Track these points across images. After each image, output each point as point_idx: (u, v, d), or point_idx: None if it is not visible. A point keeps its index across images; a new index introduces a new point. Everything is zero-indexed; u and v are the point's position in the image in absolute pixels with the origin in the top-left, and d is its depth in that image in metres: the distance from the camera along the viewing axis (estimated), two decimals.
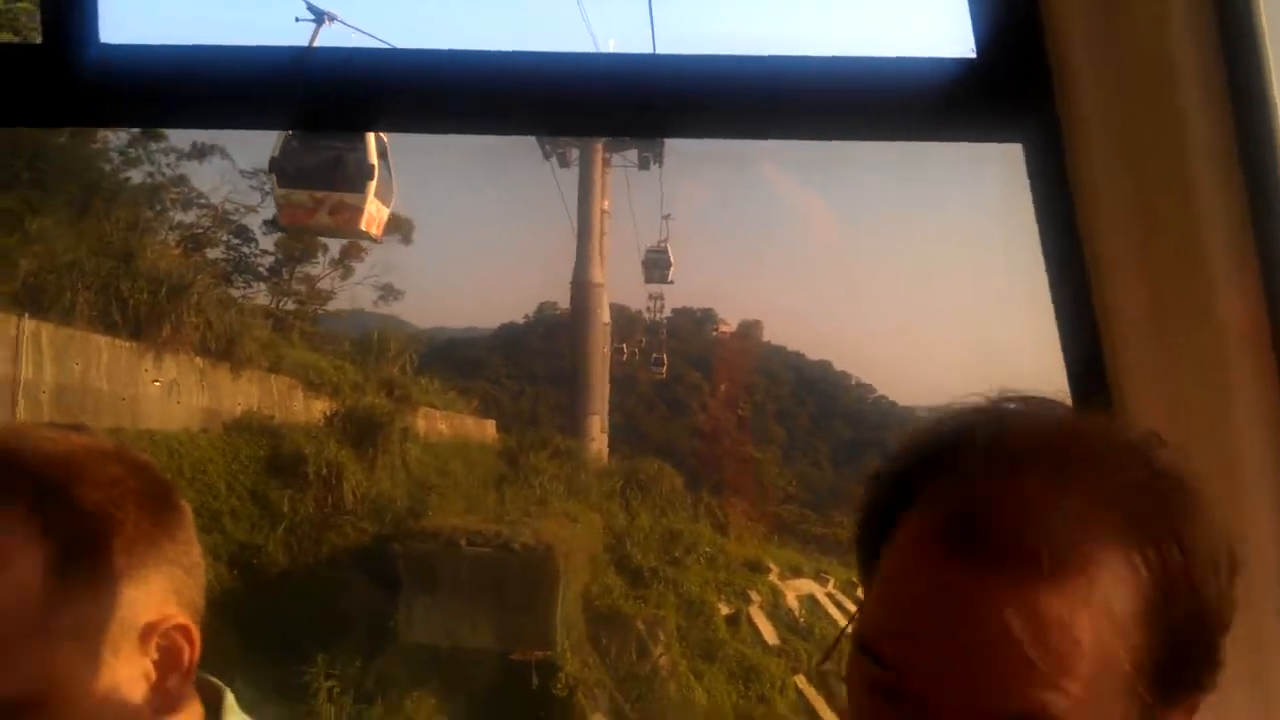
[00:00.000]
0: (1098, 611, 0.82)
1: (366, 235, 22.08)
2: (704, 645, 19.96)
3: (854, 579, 30.14)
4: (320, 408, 21.22)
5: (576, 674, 15.13)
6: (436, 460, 21.52)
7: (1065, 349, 1.56)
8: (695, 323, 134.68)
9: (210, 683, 1.42)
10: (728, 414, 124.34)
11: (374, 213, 21.80)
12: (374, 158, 19.05)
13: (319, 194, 19.51)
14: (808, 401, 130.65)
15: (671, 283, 75.07)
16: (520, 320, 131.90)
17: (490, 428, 26.75)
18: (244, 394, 20.26)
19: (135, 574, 1.23)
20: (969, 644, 0.85)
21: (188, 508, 1.39)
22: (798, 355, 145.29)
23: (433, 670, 14.71)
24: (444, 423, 24.59)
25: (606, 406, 40.74)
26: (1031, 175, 1.53)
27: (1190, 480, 0.89)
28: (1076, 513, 0.84)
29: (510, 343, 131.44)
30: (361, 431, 20.18)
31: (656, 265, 73.65)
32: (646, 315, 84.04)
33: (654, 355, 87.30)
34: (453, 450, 22.62)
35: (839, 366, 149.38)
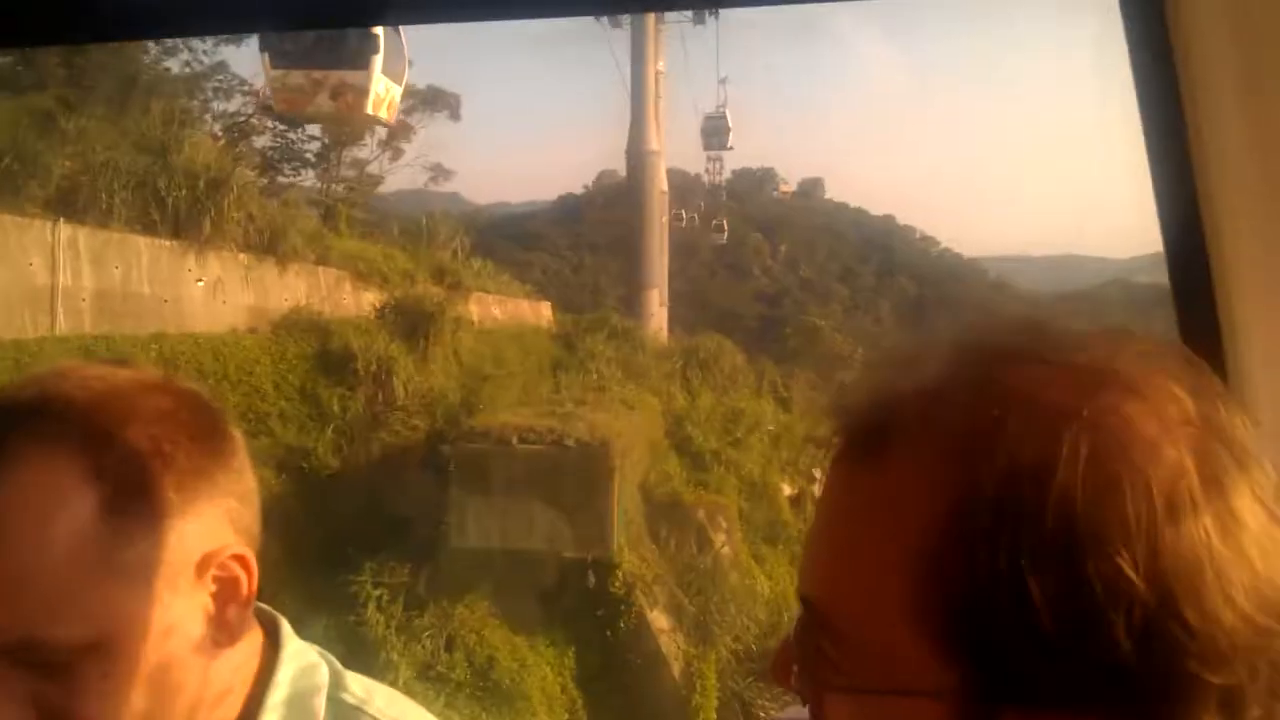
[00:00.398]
0: (884, 505, 0.70)
1: (376, 120, 20.72)
2: (767, 528, 19.47)
3: None
4: (370, 299, 20.61)
5: (634, 570, 14.66)
6: (491, 348, 20.91)
7: (1164, 229, 1.43)
8: (755, 183, 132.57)
9: (266, 611, 1.40)
10: (790, 276, 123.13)
11: (381, 93, 20.35)
12: (379, 27, 17.43)
13: (317, 74, 18.12)
14: (871, 258, 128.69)
15: (731, 149, 73.38)
16: (579, 190, 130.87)
17: (546, 310, 25.97)
18: (291, 289, 19.68)
19: (189, 508, 1.20)
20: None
21: (238, 435, 1.32)
22: (860, 211, 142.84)
23: (486, 574, 14.29)
24: (498, 308, 23.92)
25: (665, 278, 39.78)
26: (1128, 28, 1.38)
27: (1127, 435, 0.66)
28: (909, 405, 0.72)
29: (570, 214, 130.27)
30: (412, 323, 19.54)
31: (715, 132, 72.13)
32: (706, 178, 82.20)
33: (714, 221, 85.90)
34: (508, 337, 21.98)
35: (902, 220, 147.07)
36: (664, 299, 39.24)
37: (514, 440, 14.44)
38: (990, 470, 0.66)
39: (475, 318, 22.98)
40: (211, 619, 1.24)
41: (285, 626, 1.40)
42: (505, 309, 24.07)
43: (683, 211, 79.82)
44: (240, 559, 1.26)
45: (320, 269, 20.45)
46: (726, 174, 75.86)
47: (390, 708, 1.36)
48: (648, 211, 37.63)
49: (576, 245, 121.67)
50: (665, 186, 39.52)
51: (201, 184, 18.45)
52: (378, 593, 14.27)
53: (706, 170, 78.32)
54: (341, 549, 14.57)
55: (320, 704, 1.32)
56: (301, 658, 1.37)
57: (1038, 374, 0.72)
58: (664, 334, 33.78)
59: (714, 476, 19.41)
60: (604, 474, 14.23)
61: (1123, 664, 0.62)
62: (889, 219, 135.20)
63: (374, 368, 18.18)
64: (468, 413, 17.70)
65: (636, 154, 38.36)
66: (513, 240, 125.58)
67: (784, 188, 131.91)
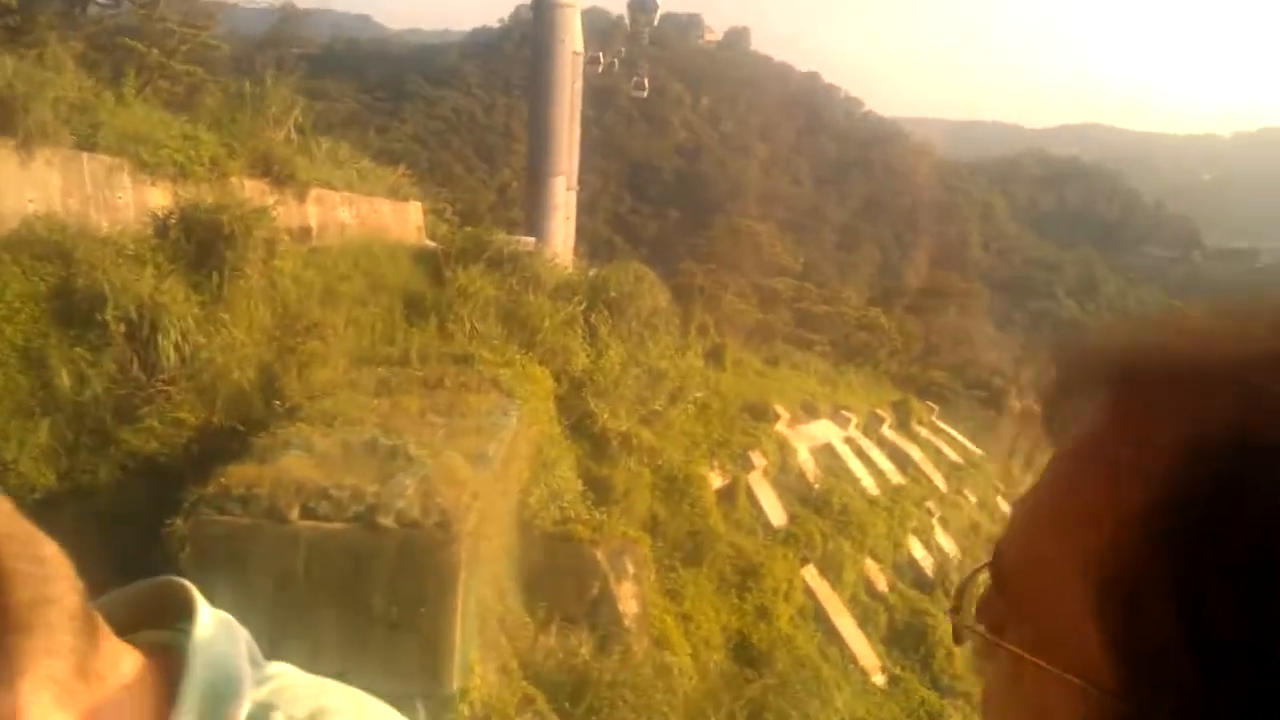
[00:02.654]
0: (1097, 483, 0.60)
1: None
2: (688, 542, 14.15)
3: (880, 409, 24.59)
4: (159, 203, 14.28)
5: (491, 698, 9.20)
6: (324, 279, 14.76)
7: None
8: (679, 29, 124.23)
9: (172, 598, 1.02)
10: (710, 130, 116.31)
11: None
12: None
13: None
14: (794, 116, 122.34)
15: (654, 17, 66.69)
16: (495, 24, 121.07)
17: (415, 213, 19.28)
18: (39, 188, 13.30)
19: None
20: None
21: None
22: (785, 67, 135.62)
23: None
24: (349, 209, 17.53)
25: (575, 160, 32.98)
26: None
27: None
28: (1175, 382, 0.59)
29: (485, 48, 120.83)
30: (204, 245, 13.36)
31: (643, 7, 65.88)
32: (628, 24, 74.36)
33: (635, 77, 78.50)
34: (351, 260, 15.75)
35: (828, 78, 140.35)
36: (572, 183, 32.60)
37: (294, 512, 8.61)
38: (1203, 476, 0.55)
39: (314, 226, 16.71)
40: None
41: (192, 645, 0.97)
42: (359, 212, 17.61)
43: (600, 55, 72.33)
44: None
45: (86, 156, 13.98)
46: (655, 22, 67.85)
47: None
48: (555, 79, 30.56)
49: (489, 84, 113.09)
50: (579, 45, 32.35)
51: None
52: None
53: (630, 2, 70.86)
54: None
55: None
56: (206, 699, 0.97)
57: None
58: (568, 253, 27.59)
59: (621, 474, 13.90)
60: (443, 573, 8.61)
61: None
62: (814, 76, 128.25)
63: (132, 317, 12.08)
64: (267, 398, 11.73)
65: (542, 5, 31.24)
66: (423, 75, 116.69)
67: (709, 35, 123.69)
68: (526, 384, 12.69)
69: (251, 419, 11.51)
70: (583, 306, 15.63)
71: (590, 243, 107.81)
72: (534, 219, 30.56)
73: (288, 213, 16.54)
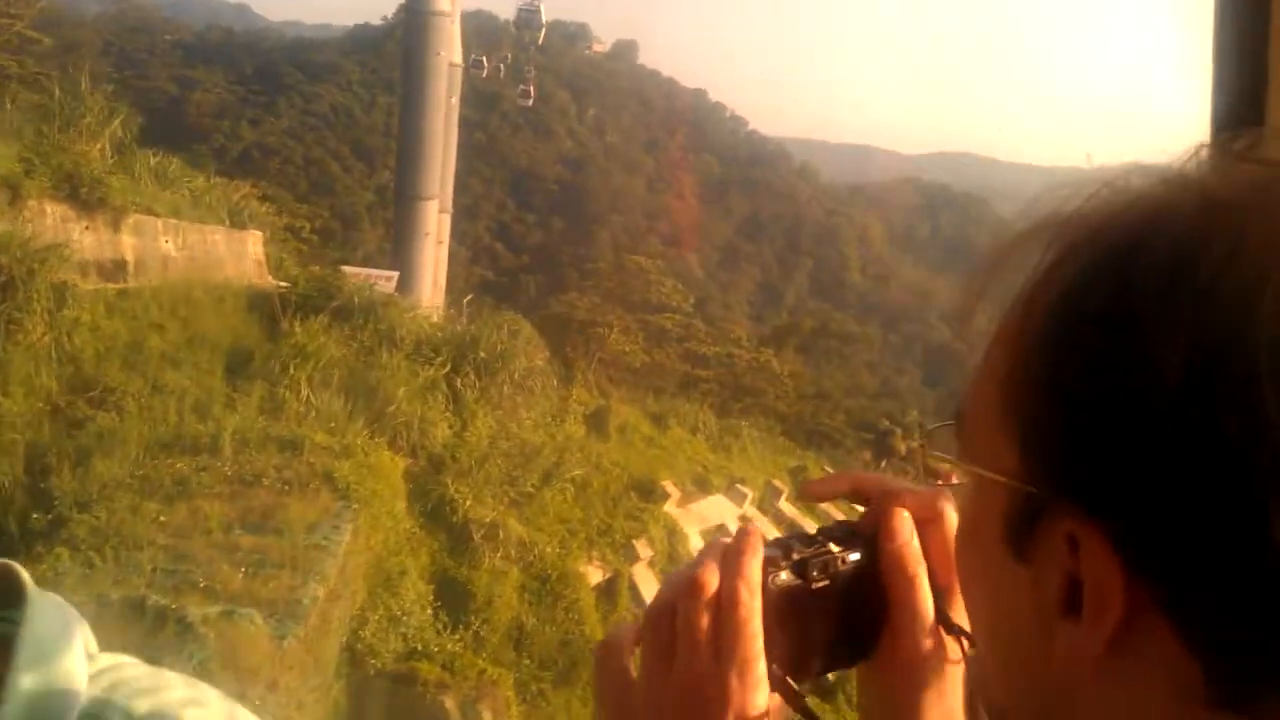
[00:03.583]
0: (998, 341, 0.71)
1: None
2: (561, 656, 11.92)
3: (777, 479, 22.33)
4: None
5: None
6: (132, 328, 12.06)
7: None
8: (566, 39, 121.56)
9: None
10: (595, 141, 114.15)
11: None
12: None
13: None
14: (678, 132, 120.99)
15: (543, 27, 64.34)
16: (378, 22, 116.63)
17: (254, 244, 16.37)
18: None
19: None
20: None
21: None
22: (672, 82, 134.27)
23: None
24: (175, 239, 14.79)
25: (450, 182, 30.27)
26: None
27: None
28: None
29: (365, 45, 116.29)
30: None
31: (528, 25, 63.45)
32: (514, 30, 71.56)
33: (521, 86, 75.69)
34: (174, 301, 13.04)
35: (714, 97, 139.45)
36: (446, 205, 29.88)
37: None
38: (1048, 298, 0.66)
39: (130, 261, 14.05)
40: None
41: (20, 638, 0.86)
42: (187, 243, 14.86)
43: (484, 59, 69.48)
44: None
45: None
46: (540, 31, 65.36)
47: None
48: (427, 94, 27.70)
49: (369, 82, 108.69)
50: (458, 55, 29.68)
51: None
52: None
53: (515, 20, 68.25)
54: None
55: None
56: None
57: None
58: (437, 289, 24.97)
59: (484, 576, 11.60)
60: None
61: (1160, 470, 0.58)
62: (700, 93, 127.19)
63: None
64: (32, 498, 9.10)
65: (416, 12, 28.44)
66: (300, 69, 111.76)
67: (597, 46, 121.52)
68: (369, 479, 10.27)
69: (4, 534, 8.86)
70: (446, 369, 13.23)
71: (471, 249, 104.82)
72: (401, 246, 27.78)
73: (98, 243, 13.84)
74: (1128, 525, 0.58)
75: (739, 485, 17.81)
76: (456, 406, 13.34)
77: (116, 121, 14.77)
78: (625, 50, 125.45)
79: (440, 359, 13.39)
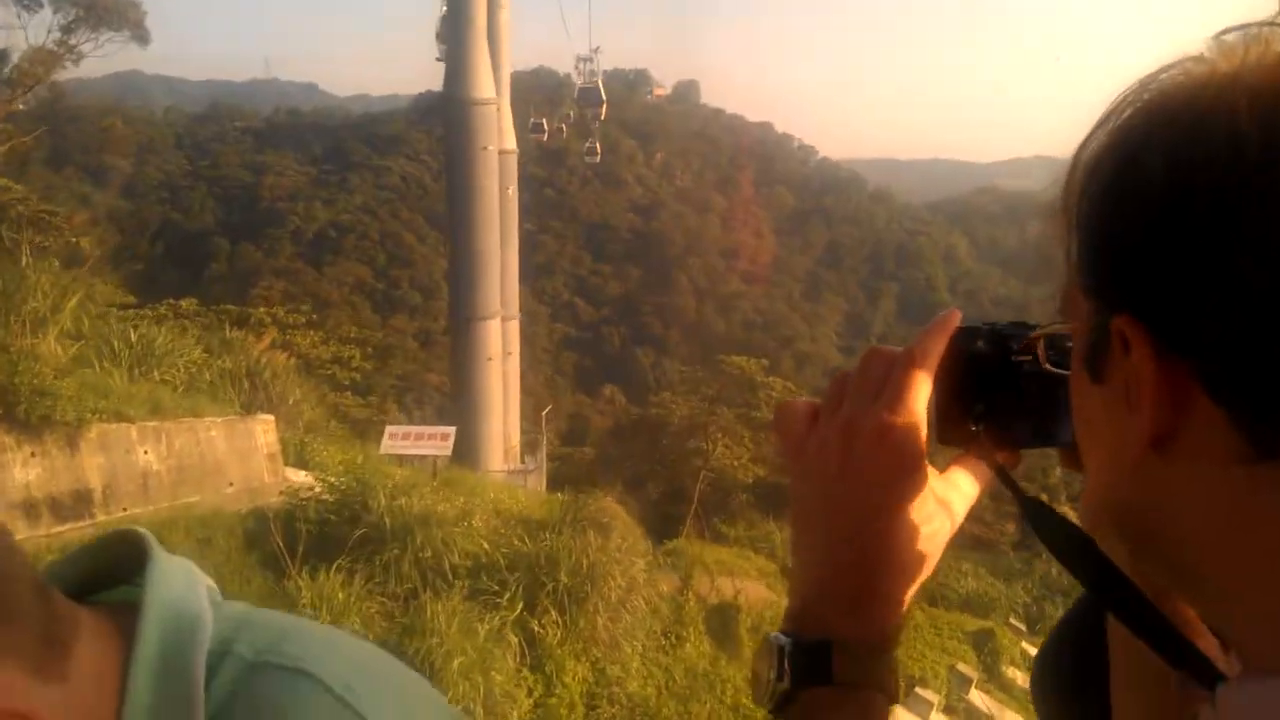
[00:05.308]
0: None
1: None
2: None
3: (962, 664, 16.82)
4: None
5: None
6: None
7: None
8: (627, 86, 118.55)
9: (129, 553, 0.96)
10: (665, 185, 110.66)
11: None
12: None
13: None
14: (747, 167, 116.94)
15: (601, 111, 61.30)
16: (440, 88, 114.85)
17: (267, 432, 12.37)
18: None
19: None
20: None
21: None
22: (737, 118, 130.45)
23: None
24: (157, 446, 11.05)
25: (515, 288, 26.40)
26: None
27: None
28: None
29: (431, 113, 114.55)
30: None
31: (589, 101, 60.69)
32: (577, 79, 68.20)
33: (587, 144, 72.25)
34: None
35: (780, 128, 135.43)
36: (512, 310, 25.92)
37: None
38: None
39: (97, 488, 10.49)
40: None
41: (147, 595, 0.91)
42: (174, 449, 11.12)
43: (543, 121, 66.30)
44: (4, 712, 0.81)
45: None
46: (599, 74, 62.03)
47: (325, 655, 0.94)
48: (476, 199, 23.57)
49: (437, 149, 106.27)
50: (512, 143, 25.87)
51: None
52: None
53: (577, 70, 65.11)
54: None
55: (198, 672, 0.90)
56: (163, 651, 0.91)
57: None
58: (511, 427, 20.92)
59: None
60: None
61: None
62: (766, 126, 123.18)
63: None
64: None
65: (456, 103, 24.52)
66: (369, 144, 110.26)
67: (658, 90, 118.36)
68: None
69: None
70: (518, 608, 9.35)
71: (551, 306, 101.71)
72: (459, 375, 23.80)
73: (49, 473, 10.20)
74: (1162, 315, 0.65)
75: (918, 690, 13.36)
76: (535, 658, 9.34)
77: (72, 301, 11.10)
78: (687, 91, 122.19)
79: (509, 595, 9.42)
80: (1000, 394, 0.90)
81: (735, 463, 26.11)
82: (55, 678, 0.83)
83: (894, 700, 0.86)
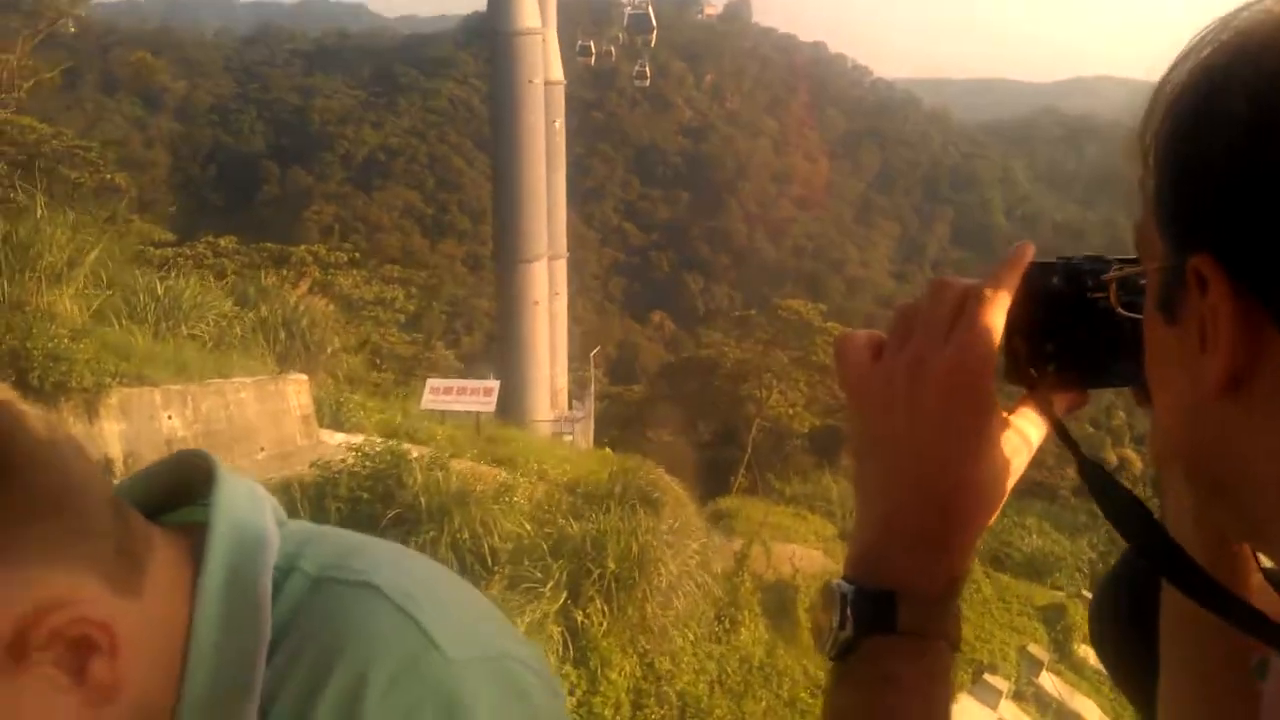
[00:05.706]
0: None
1: None
2: None
3: (1034, 644, 15.44)
4: None
5: None
6: None
7: None
8: (677, 6, 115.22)
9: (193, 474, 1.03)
10: (715, 107, 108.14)
11: None
12: None
13: None
14: (800, 89, 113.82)
15: (651, 38, 59.38)
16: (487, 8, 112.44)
17: (301, 392, 11.56)
18: None
19: None
20: None
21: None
22: (788, 38, 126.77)
23: None
24: (183, 410, 10.39)
25: (562, 226, 25.19)
26: None
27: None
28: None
29: (479, 34, 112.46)
30: None
31: (640, 29, 58.89)
32: (626, 4, 66.18)
33: (637, 66, 70.28)
34: None
35: (834, 48, 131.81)
36: (560, 249, 24.66)
37: None
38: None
39: (119, 455, 9.91)
40: (68, 692, 0.84)
41: (215, 513, 0.96)
42: (201, 414, 10.47)
43: (590, 44, 64.61)
44: (83, 620, 0.84)
45: None
46: (649, 3, 60.07)
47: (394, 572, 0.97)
48: (522, 133, 22.46)
49: (485, 72, 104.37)
50: (558, 73, 24.57)
51: None
52: None
53: (626, 26, 63.53)
54: None
55: (265, 588, 0.94)
56: (231, 567, 0.95)
57: None
58: (559, 369, 19.96)
59: None
60: None
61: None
62: (819, 46, 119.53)
63: None
64: None
65: (501, 34, 23.15)
66: (417, 67, 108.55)
67: (709, 9, 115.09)
68: None
69: None
70: (563, 598, 8.65)
71: (600, 231, 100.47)
72: (506, 322, 22.81)
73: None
74: (1242, 256, 0.63)
75: (987, 676, 12.42)
76: (579, 652, 8.65)
77: (92, 254, 10.38)
78: (738, 10, 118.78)
79: (551, 584, 8.68)
80: (1074, 332, 0.85)
81: (790, 410, 25.14)
82: (131, 592, 0.87)
83: (956, 648, 0.84)
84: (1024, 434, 0.87)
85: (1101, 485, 0.77)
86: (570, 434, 22.11)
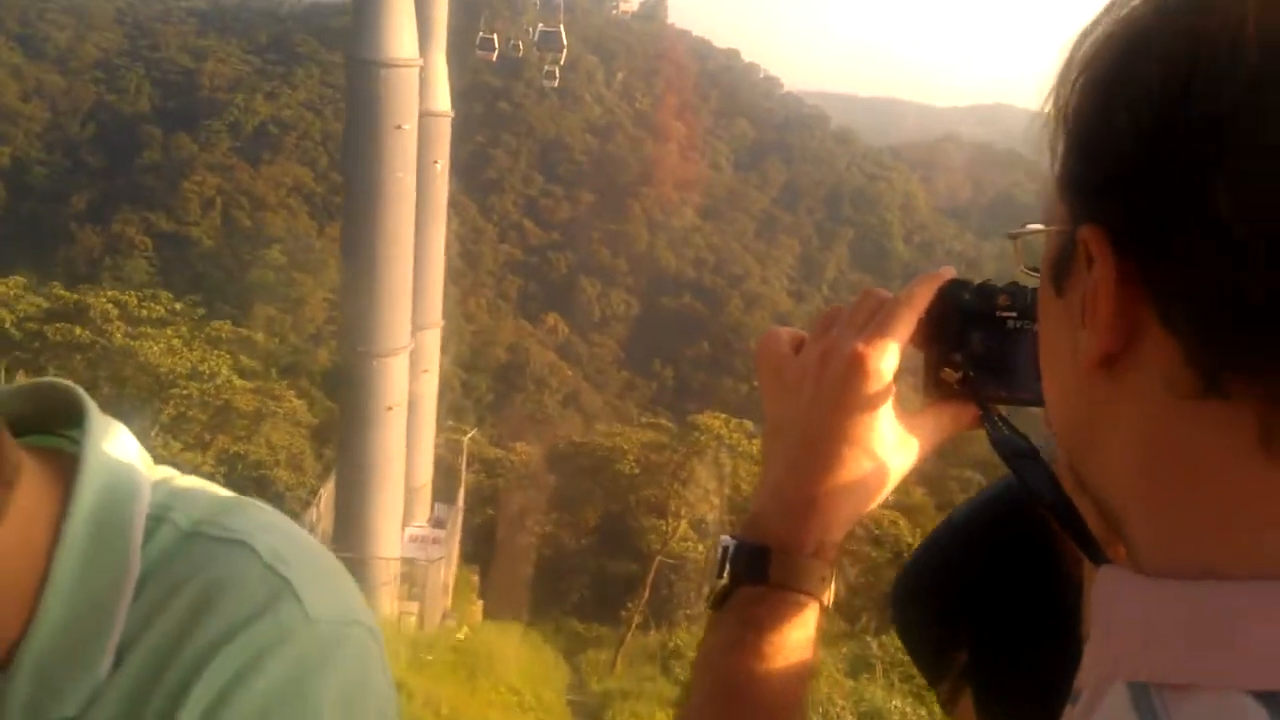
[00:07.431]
0: None
1: None
2: None
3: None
4: None
5: None
6: None
7: None
8: None
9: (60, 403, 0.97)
10: (624, 106, 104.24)
11: None
12: None
13: None
14: (711, 96, 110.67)
15: (560, 56, 55.17)
16: None
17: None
18: None
19: None
20: None
21: None
22: (704, 42, 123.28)
23: None
24: None
25: (439, 300, 19.98)
26: None
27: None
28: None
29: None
30: None
31: (549, 44, 54.56)
32: (538, 8, 61.65)
33: (546, 66, 65.75)
34: None
35: (747, 57, 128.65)
36: (434, 318, 19.39)
37: None
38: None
39: None
40: None
41: (85, 450, 0.92)
42: None
43: (494, 38, 59.87)
44: None
45: None
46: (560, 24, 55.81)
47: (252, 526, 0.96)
48: (381, 188, 17.06)
49: None
50: (445, 102, 19.83)
51: None
52: None
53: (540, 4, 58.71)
54: None
55: (136, 532, 0.92)
56: (104, 491, 0.92)
57: None
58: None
59: None
60: None
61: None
62: (733, 53, 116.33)
63: None
64: None
65: (360, 65, 17.42)
66: (316, 36, 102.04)
67: (624, 6, 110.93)
68: None
69: None
70: None
71: (499, 226, 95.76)
72: (351, 430, 16.84)
73: None
74: (1130, 233, 0.60)
75: None
76: None
77: None
78: (654, 9, 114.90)
79: None
80: (981, 346, 0.89)
81: (699, 547, 20.89)
82: None
83: (823, 608, 0.90)
84: (922, 431, 0.92)
85: (997, 428, 0.84)
86: (430, 559, 17.76)
